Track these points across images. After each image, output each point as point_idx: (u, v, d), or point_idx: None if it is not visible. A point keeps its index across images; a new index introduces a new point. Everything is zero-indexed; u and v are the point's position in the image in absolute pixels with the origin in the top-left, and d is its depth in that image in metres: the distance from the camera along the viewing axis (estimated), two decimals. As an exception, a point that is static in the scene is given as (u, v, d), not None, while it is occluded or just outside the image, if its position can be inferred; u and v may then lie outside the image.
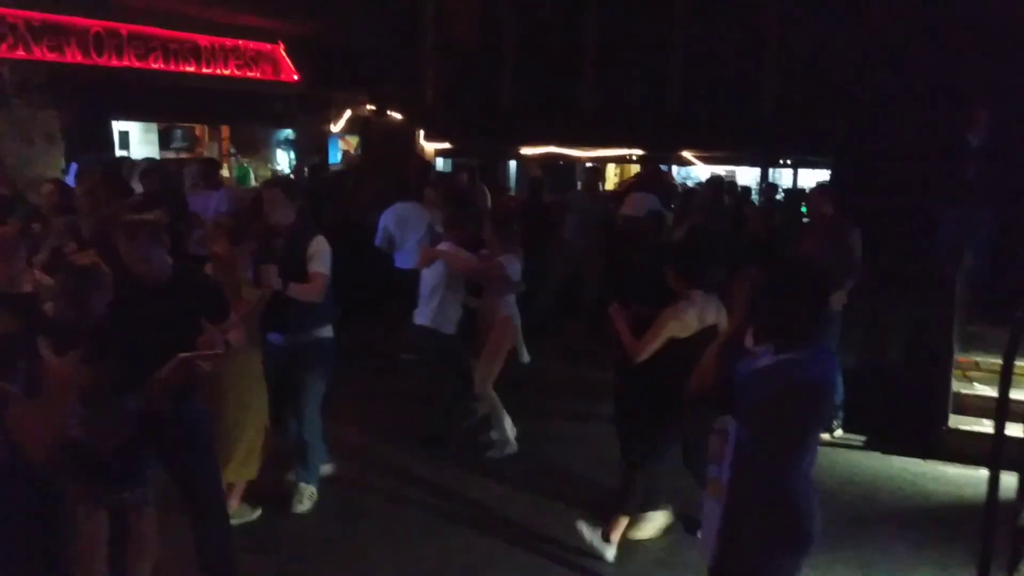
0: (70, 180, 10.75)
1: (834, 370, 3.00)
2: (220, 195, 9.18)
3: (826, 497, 3.66)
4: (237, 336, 4.04)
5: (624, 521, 4.86)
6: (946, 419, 6.62)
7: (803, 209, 9.62)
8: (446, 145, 15.98)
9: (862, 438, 6.82)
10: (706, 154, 14.68)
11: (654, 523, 5.09)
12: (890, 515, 5.56)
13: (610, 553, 4.80)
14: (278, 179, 10.37)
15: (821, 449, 3.12)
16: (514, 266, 6.12)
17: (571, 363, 8.06)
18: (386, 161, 13.88)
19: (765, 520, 2.88)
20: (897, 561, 4.93)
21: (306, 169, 13.35)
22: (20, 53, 9.53)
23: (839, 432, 6.87)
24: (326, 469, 5.64)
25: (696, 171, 16.15)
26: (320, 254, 5.11)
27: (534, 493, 5.66)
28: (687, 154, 14.61)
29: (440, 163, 16.11)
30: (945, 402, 6.65)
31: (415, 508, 5.44)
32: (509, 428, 6.31)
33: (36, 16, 9.61)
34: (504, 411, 6.29)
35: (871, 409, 6.84)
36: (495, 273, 6.09)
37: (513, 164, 17.13)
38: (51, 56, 9.81)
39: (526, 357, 6.43)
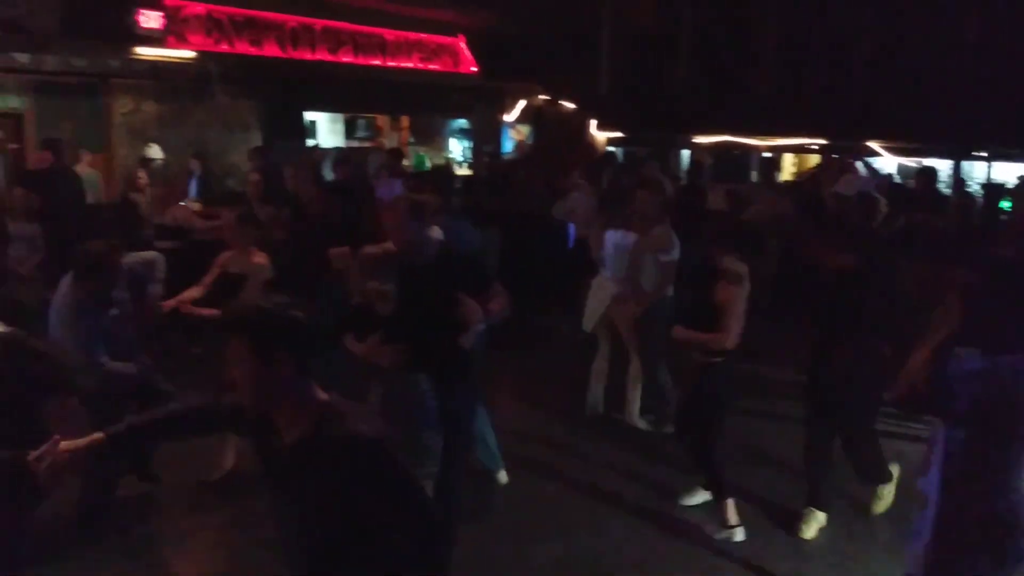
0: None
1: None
2: (400, 183, 9.54)
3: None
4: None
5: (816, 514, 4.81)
6: None
7: (1003, 205, 8.97)
8: (618, 134, 15.92)
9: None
10: (893, 144, 13.90)
11: (819, 521, 4.96)
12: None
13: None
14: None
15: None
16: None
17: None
18: (558, 149, 14.01)
19: (978, 530, 2.75)
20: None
21: (485, 158, 13.66)
22: (224, 47, 10.24)
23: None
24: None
25: (881, 162, 15.34)
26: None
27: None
28: (873, 144, 13.90)
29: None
30: None
31: (583, 493, 5.48)
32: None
33: (239, 12, 10.29)
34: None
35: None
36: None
37: (686, 153, 16.87)
38: (251, 50, 10.48)
39: None
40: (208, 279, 5.41)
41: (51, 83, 11.81)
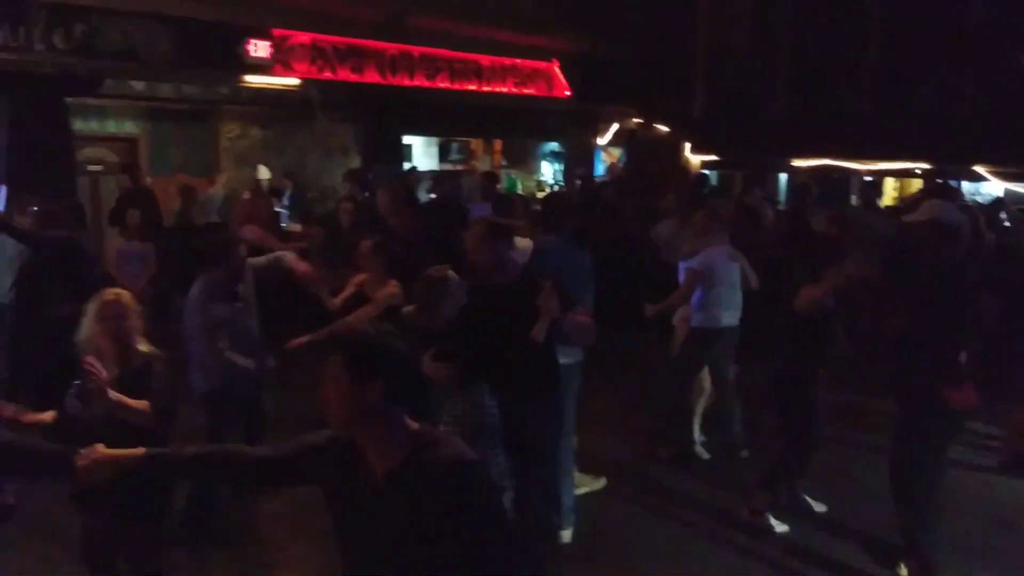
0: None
1: None
2: (495, 205, 9.65)
3: None
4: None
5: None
6: None
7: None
8: (713, 157, 15.75)
9: None
10: (1003, 169, 13.36)
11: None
12: None
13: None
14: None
15: None
16: None
17: (835, 387, 7.63)
18: (651, 173, 13.95)
19: None
20: None
21: (577, 181, 13.71)
22: (327, 74, 10.58)
23: None
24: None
25: (988, 187, 14.75)
26: None
27: (806, 521, 5.43)
28: (980, 169, 13.39)
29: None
30: None
31: (679, 525, 5.38)
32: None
33: (342, 41, 10.62)
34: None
35: None
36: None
37: (783, 177, 16.56)
38: (352, 77, 10.80)
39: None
40: (341, 297, 5.57)
41: (163, 109, 12.41)
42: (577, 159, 16.08)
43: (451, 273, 4.05)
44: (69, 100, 9.13)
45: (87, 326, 3.50)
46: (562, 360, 4.40)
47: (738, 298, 6.24)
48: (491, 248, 4.07)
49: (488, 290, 4.06)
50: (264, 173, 11.94)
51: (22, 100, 8.55)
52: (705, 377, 6.45)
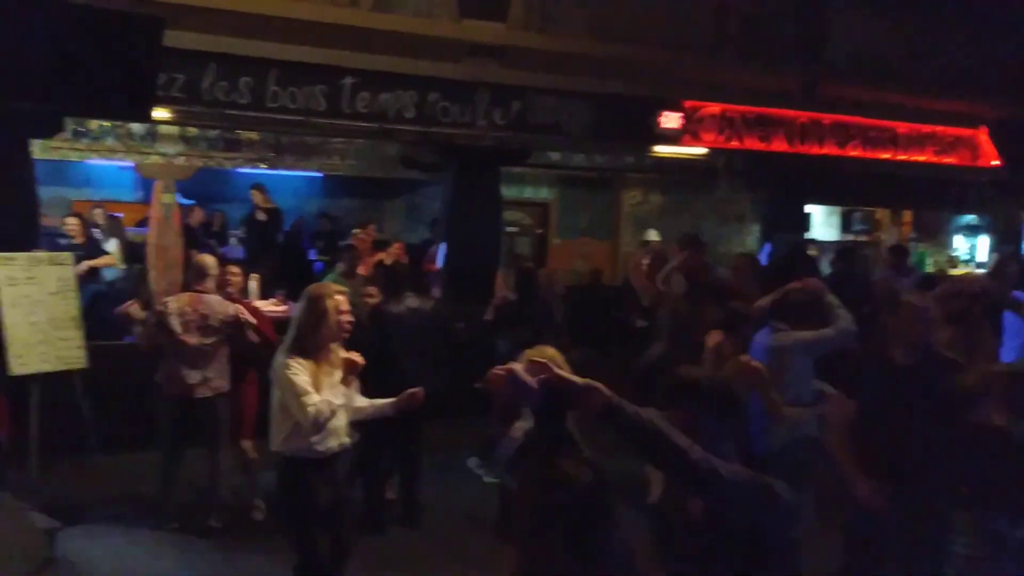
0: (762, 258, 11.61)
1: None
2: (909, 281, 9.01)
3: None
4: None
5: None
6: None
7: None
8: None
9: None
10: None
11: None
12: None
13: None
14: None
15: None
16: None
17: None
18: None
19: None
20: None
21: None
22: (734, 143, 10.63)
23: None
24: None
25: None
26: None
27: None
28: None
29: None
30: None
31: None
32: None
33: (752, 110, 10.63)
34: None
35: None
36: None
37: None
38: (759, 145, 10.74)
39: None
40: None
41: (574, 177, 13.31)
42: (1004, 234, 14.52)
43: None
44: (501, 169, 10.10)
45: None
46: None
47: None
48: (926, 332, 4.12)
49: (896, 367, 4.10)
50: (653, 235, 12.27)
51: (465, 169, 9.63)
52: None
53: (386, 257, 8.39)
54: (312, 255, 12.29)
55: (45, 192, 8.02)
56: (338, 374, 4.19)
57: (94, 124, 9.87)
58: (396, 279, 6.31)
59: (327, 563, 4.29)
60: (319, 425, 4.04)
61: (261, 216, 11.35)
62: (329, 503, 4.23)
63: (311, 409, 3.98)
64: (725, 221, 14.10)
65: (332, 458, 4.23)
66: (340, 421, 4.20)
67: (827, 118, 11.18)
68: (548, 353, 2.99)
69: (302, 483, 4.15)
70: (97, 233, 10.25)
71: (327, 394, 4.08)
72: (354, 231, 10.00)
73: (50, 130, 8.19)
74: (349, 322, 4.23)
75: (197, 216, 12.22)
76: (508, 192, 11.66)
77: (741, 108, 10.64)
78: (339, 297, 4.21)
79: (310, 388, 4.03)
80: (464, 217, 9.63)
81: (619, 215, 13.85)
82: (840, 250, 10.92)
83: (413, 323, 6.09)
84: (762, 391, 4.18)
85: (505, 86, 9.26)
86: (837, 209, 15.10)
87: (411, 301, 6.18)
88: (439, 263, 9.99)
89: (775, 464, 4.79)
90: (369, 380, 4.45)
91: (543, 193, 13.49)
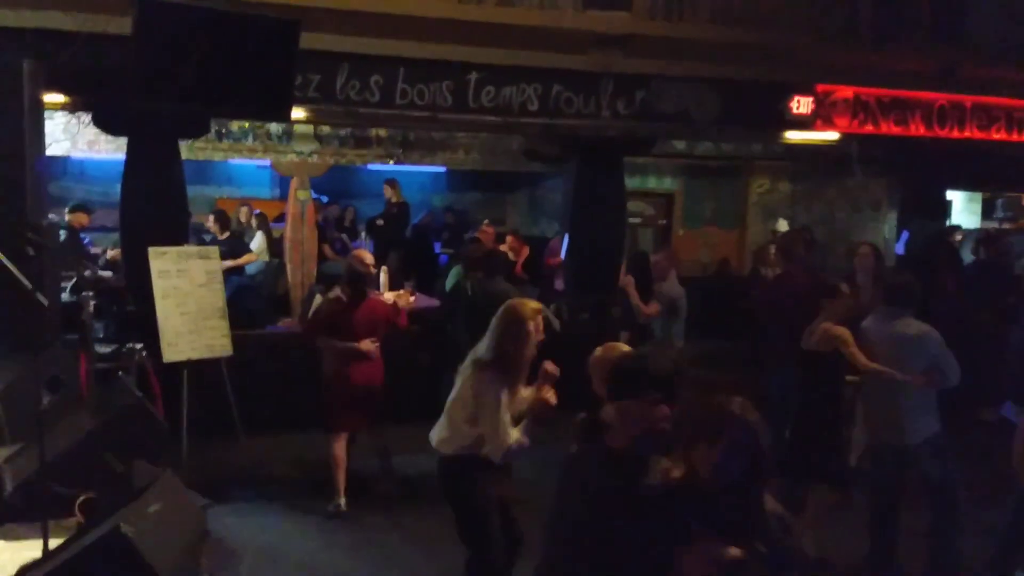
0: (899, 248, 11.16)
1: None
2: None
3: None
4: None
5: None
6: None
7: None
8: None
9: None
10: None
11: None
12: None
13: None
14: None
15: None
16: None
17: None
18: None
19: None
20: None
21: None
22: (868, 128, 10.22)
23: None
24: None
25: None
26: None
27: None
28: None
29: None
30: None
31: None
32: None
33: (887, 93, 10.20)
34: None
35: None
36: None
37: None
38: (895, 130, 10.30)
39: None
40: None
41: (700, 166, 13.09)
42: None
43: None
44: (625, 159, 10.04)
45: None
46: None
47: None
48: None
49: None
50: (783, 226, 11.96)
51: (588, 160, 9.62)
52: None
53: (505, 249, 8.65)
54: (437, 248, 12.57)
55: (190, 190, 8.49)
56: (523, 388, 4.23)
57: (235, 125, 10.35)
58: (490, 264, 6.99)
59: (503, 558, 4.31)
60: (506, 457, 4.12)
61: (392, 210, 11.85)
62: (501, 498, 4.31)
63: (505, 446, 4.04)
64: (858, 209, 13.61)
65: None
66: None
67: (969, 99, 10.61)
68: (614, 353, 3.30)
69: (475, 479, 4.20)
70: (239, 230, 10.85)
71: (514, 406, 4.13)
72: (485, 224, 10.37)
73: (198, 131, 8.67)
74: (541, 340, 4.24)
75: (333, 212, 12.76)
76: (632, 182, 11.55)
77: (876, 91, 10.22)
78: (539, 318, 4.23)
79: (510, 422, 4.07)
80: (587, 209, 9.62)
81: (746, 204, 13.54)
82: (982, 238, 10.37)
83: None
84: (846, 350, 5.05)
85: (629, 75, 9.19)
86: (979, 195, 14.35)
87: (501, 285, 6.74)
88: (562, 255, 10.04)
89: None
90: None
91: (667, 183, 13.33)
